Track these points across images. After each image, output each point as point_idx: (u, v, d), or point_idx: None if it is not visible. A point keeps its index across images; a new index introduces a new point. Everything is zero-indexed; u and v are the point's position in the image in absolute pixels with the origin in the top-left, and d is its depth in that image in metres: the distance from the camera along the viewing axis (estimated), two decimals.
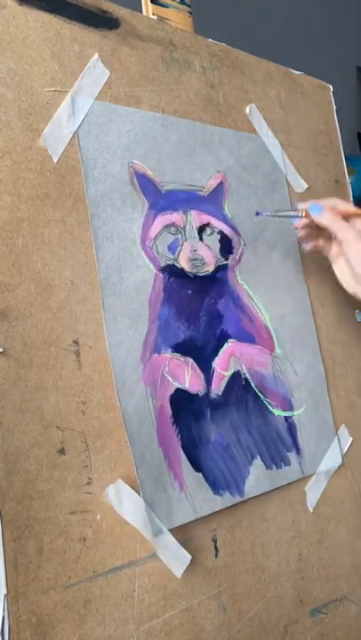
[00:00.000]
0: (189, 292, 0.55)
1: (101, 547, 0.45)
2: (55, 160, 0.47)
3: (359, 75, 1.91)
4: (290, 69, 0.73)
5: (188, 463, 0.51)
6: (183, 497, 0.49)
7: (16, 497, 0.41)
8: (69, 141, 0.48)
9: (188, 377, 0.53)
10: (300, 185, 0.69)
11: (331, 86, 0.78)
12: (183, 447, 0.51)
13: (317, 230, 0.61)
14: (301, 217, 0.60)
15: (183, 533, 0.50)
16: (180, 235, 0.55)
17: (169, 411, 0.50)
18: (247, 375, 0.57)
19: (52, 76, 0.48)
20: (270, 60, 0.70)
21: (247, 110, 0.65)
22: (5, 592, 0.39)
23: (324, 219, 0.57)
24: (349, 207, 0.59)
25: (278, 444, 0.59)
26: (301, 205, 0.60)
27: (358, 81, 1.91)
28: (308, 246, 0.62)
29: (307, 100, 0.74)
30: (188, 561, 0.49)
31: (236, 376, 0.56)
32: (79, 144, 0.49)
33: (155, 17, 0.59)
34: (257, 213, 0.61)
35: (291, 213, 0.61)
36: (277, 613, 0.56)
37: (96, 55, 0.52)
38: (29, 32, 0.48)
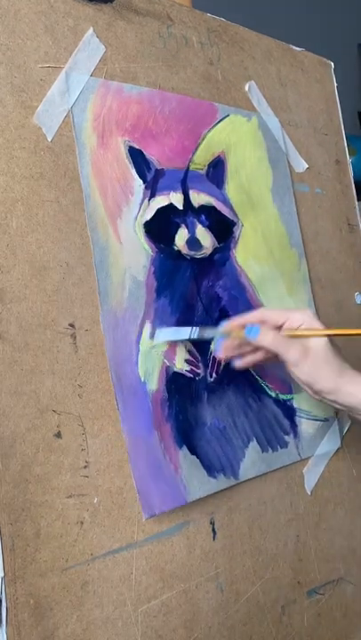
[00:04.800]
0: (187, 274, 0.54)
1: (99, 530, 0.44)
2: (49, 138, 0.46)
3: None
4: (291, 45, 0.71)
5: (184, 446, 0.50)
6: (178, 480, 0.49)
7: (13, 480, 0.40)
8: (64, 119, 0.47)
9: (183, 359, 0.52)
10: (301, 164, 0.68)
11: (332, 63, 0.76)
12: (179, 430, 0.50)
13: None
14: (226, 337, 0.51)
15: (181, 516, 0.50)
16: (177, 216, 0.54)
17: (165, 394, 0.50)
18: None
19: (46, 51, 0.47)
20: (270, 36, 0.68)
21: (246, 87, 0.64)
22: (3, 575, 0.39)
23: (266, 341, 0.48)
24: (278, 315, 0.50)
25: (275, 427, 0.58)
26: (225, 325, 0.51)
27: (360, 59, 1.88)
28: (242, 363, 0.52)
29: (307, 78, 0.72)
30: None
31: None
32: (74, 122, 0.48)
33: None
34: (152, 335, 0.50)
35: (211, 334, 0.52)
36: (275, 594, 0.57)
37: (91, 30, 0.50)
38: (21, 5, 0.46)
